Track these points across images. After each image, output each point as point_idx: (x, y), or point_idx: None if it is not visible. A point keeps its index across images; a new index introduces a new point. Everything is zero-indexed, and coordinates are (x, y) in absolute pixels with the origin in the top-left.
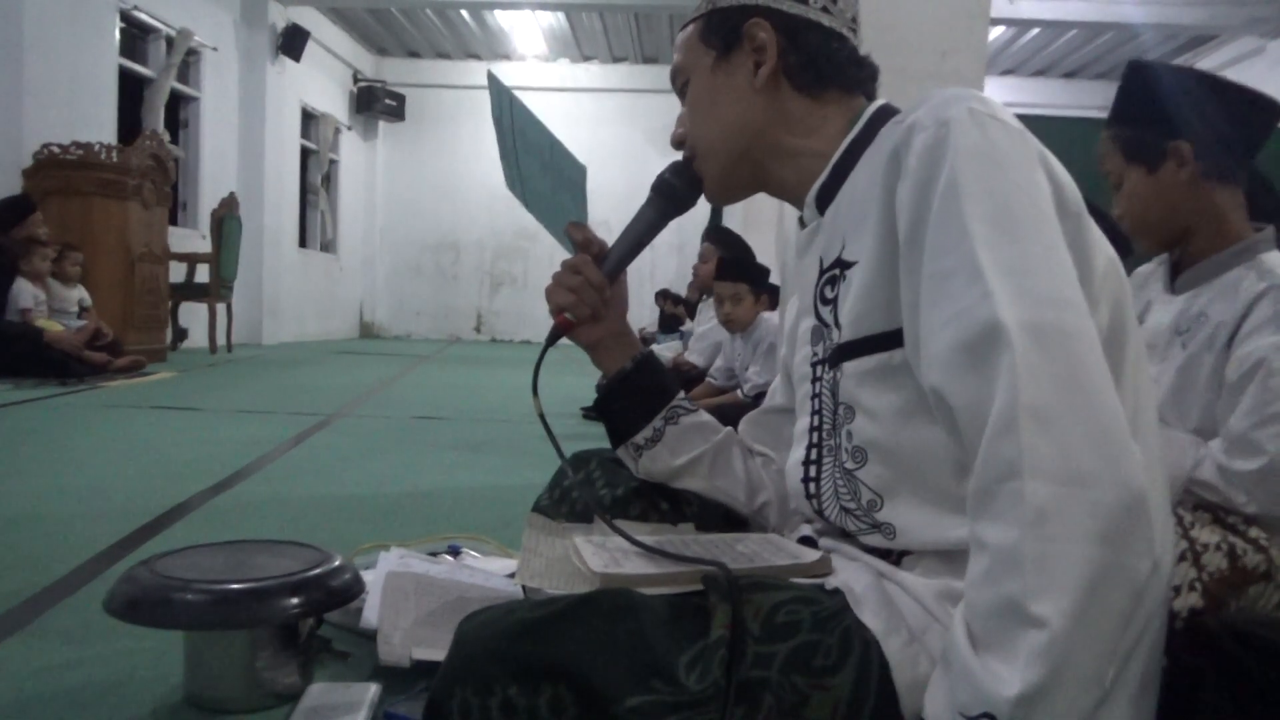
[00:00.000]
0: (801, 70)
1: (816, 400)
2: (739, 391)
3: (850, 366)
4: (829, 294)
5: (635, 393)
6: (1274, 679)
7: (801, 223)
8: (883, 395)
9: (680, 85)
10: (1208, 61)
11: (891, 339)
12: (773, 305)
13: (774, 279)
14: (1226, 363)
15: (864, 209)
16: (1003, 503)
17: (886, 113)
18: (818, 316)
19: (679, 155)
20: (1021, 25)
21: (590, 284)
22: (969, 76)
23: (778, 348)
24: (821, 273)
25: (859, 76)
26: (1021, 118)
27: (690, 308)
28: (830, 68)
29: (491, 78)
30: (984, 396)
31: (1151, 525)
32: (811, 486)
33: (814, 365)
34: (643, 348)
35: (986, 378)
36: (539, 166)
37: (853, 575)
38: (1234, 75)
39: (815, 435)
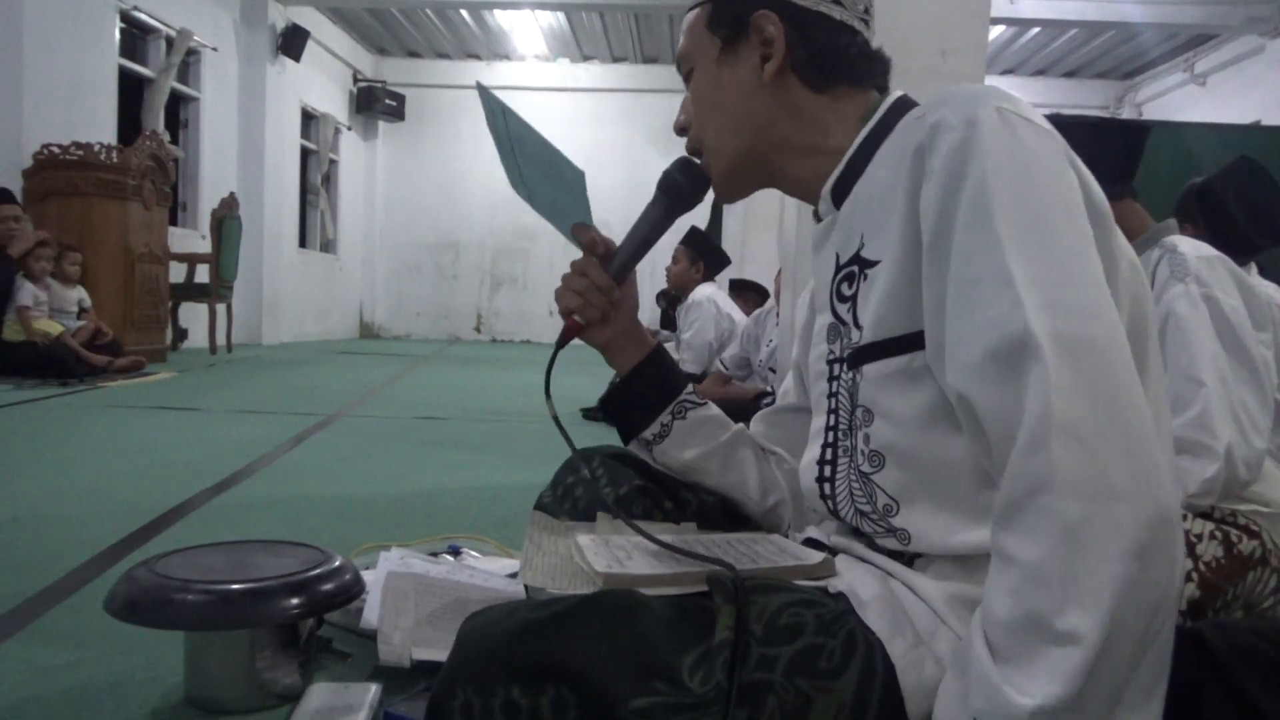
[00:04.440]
0: (810, 65)
1: (833, 400)
2: (752, 365)
3: (871, 369)
4: (846, 291)
5: (641, 388)
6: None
7: (816, 217)
8: (903, 399)
9: (686, 72)
10: (1207, 60)
11: (913, 341)
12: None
13: (774, 278)
14: None
15: (885, 207)
16: (1031, 517)
17: (905, 105)
18: (834, 314)
19: (680, 155)
20: (1022, 24)
21: (597, 286)
22: (969, 76)
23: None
24: (838, 269)
25: (871, 70)
26: None
27: (670, 312)
28: (840, 62)
29: (481, 89)
30: (1013, 407)
31: (1174, 538)
32: (826, 487)
33: (830, 364)
34: (654, 345)
35: (1016, 388)
36: (540, 173)
37: (859, 577)
38: (1234, 74)
39: (831, 435)
